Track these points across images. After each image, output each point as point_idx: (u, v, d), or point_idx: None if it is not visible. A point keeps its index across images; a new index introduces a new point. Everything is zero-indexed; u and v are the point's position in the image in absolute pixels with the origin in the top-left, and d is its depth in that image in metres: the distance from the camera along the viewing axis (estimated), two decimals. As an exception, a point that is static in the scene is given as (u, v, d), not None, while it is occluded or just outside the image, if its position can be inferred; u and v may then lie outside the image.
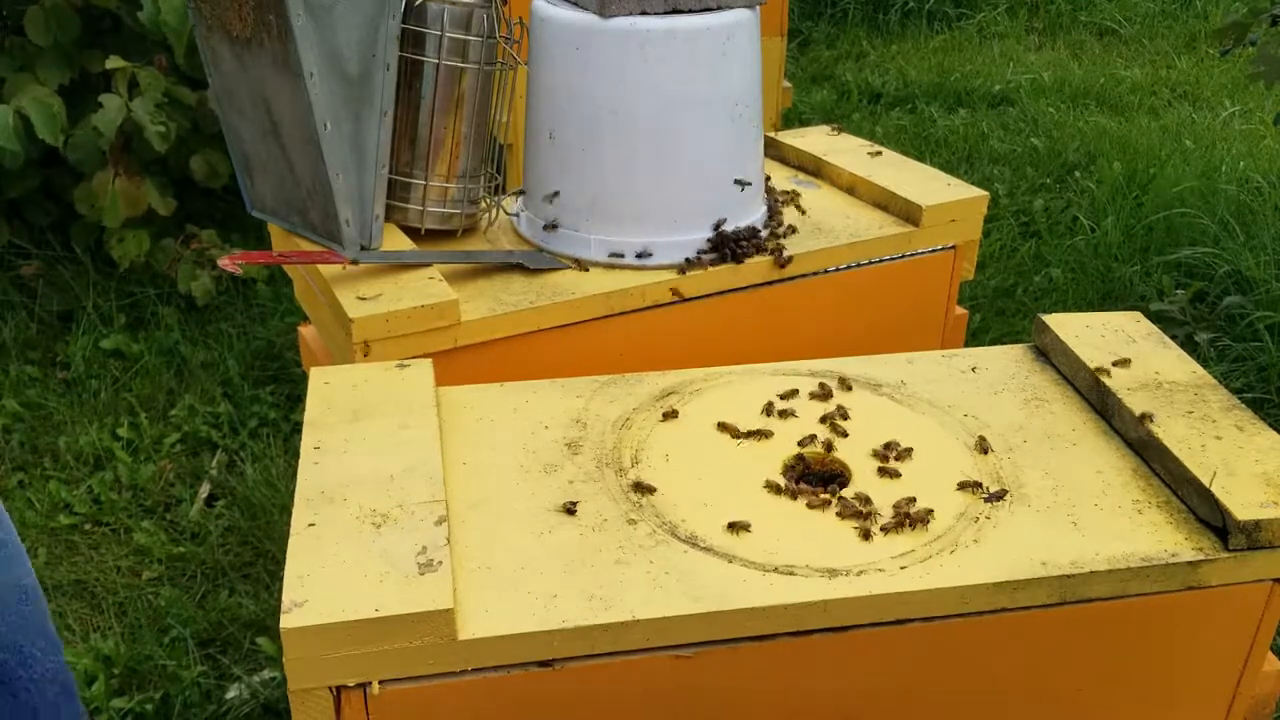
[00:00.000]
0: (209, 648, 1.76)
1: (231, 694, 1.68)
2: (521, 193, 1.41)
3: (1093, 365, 1.06)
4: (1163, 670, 0.92)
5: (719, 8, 1.25)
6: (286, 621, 0.74)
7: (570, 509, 0.90)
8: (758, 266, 1.31)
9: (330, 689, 0.77)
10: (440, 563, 0.80)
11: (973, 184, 1.47)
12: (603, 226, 1.30)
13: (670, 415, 1.02)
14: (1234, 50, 2.66)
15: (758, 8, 1.30)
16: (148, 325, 2.57)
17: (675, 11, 1.23)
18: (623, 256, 1.29)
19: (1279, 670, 0.97)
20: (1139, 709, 0.94)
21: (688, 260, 1.29)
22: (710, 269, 1.30)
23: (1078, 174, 3.44)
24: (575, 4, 1.26)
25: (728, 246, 1.30)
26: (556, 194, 1.31)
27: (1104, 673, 0.90)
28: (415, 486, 0.88)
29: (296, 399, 2.35)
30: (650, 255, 1.29)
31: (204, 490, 2.10)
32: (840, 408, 1.04)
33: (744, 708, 0.85)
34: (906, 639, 0.84)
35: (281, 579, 0.79)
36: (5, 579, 1.21)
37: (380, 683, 0.77)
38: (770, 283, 1.33)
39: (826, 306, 1.38)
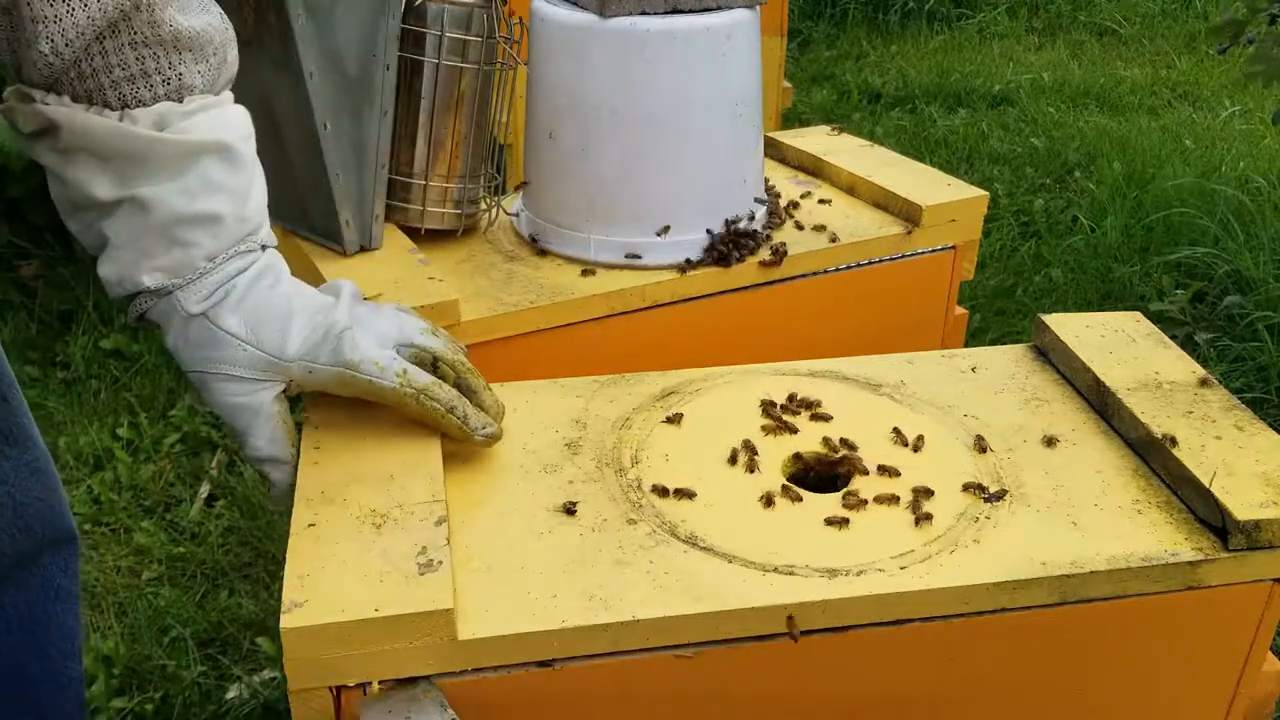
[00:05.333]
0: (209, 648, 1.76)
1: (231, 694, 1.68)
2: (521, 189, 1.41)
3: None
4: (1163, 670, 0.92)
5: (719, 8, 1.25)
6: (286, 622, 0.74)
7: (570, 509, 0.90)
8: (756, 267, 1.31)
9: (330, 689, 0.77)
10: (440, 563, 0.80)
11: (973, 184, 1.47)
12: (602, 226, 1.30)
13: (674, 419, 1.02)
14: (1231, 49, 2.66)
15: (758, 8, 1.30)
16: (148, 325, 2.57)
17: (675, 11, 1.23)
18: (622, 257, 1.29)
19: (1279, 670, 0.97)
20: (1139, 709, 0.94)
21: (688, 260, 1.29)
22: (710, 269, 1.30)
23: (1078, 174, 3.44)
24: (575, 4, 1.26)
25: (728, 247, 1.30)
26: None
27: (1104, 673, 0.90)
28: (415, 486, 0.88)
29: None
30: (650, 255, 1.29)
31: (204, 490, 2.10)
32: (813, 397, 1.04)
33: (744, 708, 0.85)
34: (906, 639, 0.84)
35: (281, 579, 0.79)
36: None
37: (380, 683, 0.77)
38: (770, 283, 1.33)
39: (826, 306, 1.38)
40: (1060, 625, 0.86)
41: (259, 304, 0.90)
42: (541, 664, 0.79)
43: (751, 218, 1.34)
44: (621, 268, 1.29)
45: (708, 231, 1.31)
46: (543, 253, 1.33)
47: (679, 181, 1.29)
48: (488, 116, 1.34)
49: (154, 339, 2.50)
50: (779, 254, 1.31)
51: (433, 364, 0.94)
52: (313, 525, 0.84)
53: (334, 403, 0.97)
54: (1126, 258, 2.86)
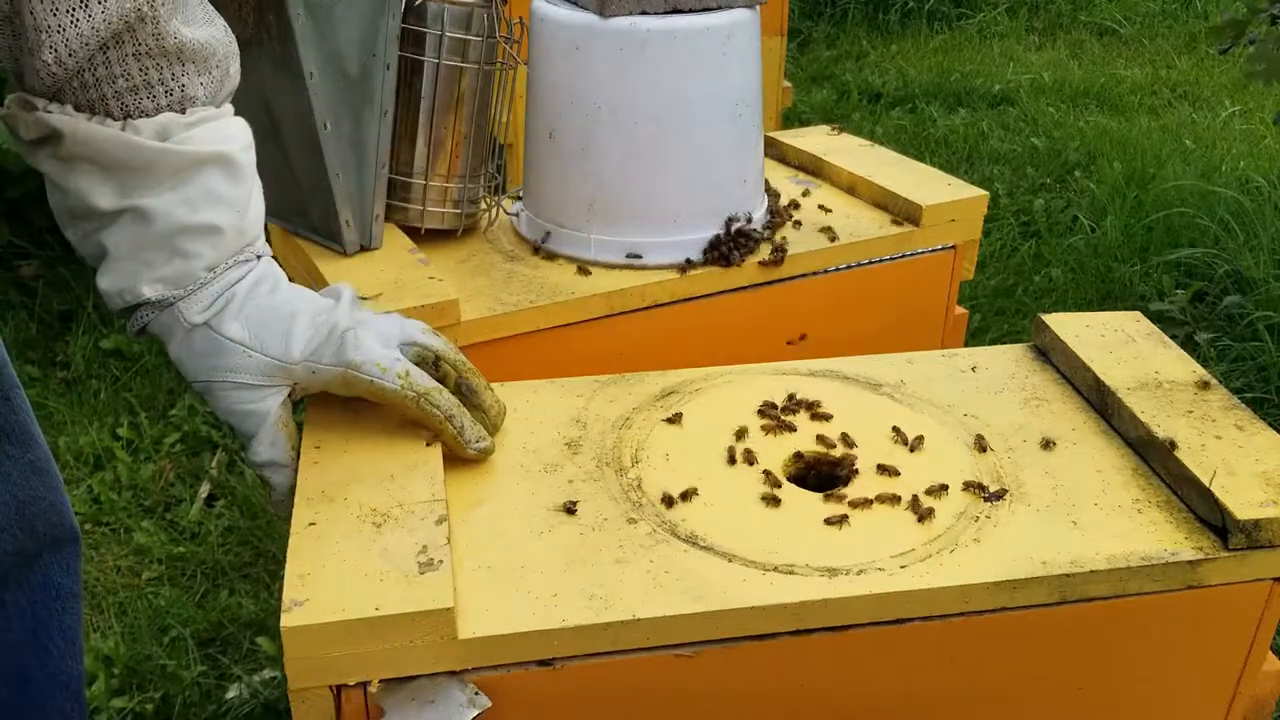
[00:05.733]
0: (209, 648, 1.76)
1: (231, 694, 1.68)
2: (521, 193, 1.41)
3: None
4: (1163, 670, 0.92)
5: (719, 8, 1.25)
6: (286, 621, 0.74)
7: (570, 508, 0.90)
8: (756, 267, 1.31)
9: (330, 688, 0.77)
10: (440, 562, 0.80)
11: (973, 184, 1.47)
12: (602, 226, 1.30)
13: (674, 419, 1.02)
14: (1232, 49, 2.66)
15: (758, 8, 1.30)
16: (148, 325, 2.57)
17: (675, 11, 1.23)
18: (623, 256, 1.29)
19: (1279, 670, 0.97)
20: (1139, 709, 0.94)
21: (688, 260, 1.29)
22: (710, 269, 1.30)
23: (1078, 174, 3.44)
24: (575, 4, 1.26)
25: (728, 247, 1.30)
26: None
27: (1104, 673, 0.91)
28: (416, 486, 0.88)
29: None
30: (650, 255, 1.29)
31: (204, 490, 2.10)
32: (813, 397, 1.04)
33: (744, 708, 0.85)
34: (907, 638, 0.84)
35: (282, 578, 0.79)
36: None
37: (380, 682, 0.77)
38: (770, 283, 1.33)
39: (826, 306, 1.38)
40: (1060, 625, 0.86)
41: (260, 309, 0.90)
42: (541, 664, 0.79)
43: (751, 218, 1.34)
44: (622, 267, 1.29)
45: (709, 231, 1.31)
46: (550, 256, 1.33)
47: (679, 181, 1.29)
48: (488, 116, 1.34)
49: (154, 339, 2.50)
50: (779, 254, 1.31)
51: (434, 362, 0.94)
52: (313, 524, 0.84)
53: (334, 402, 0.97)
54: (1126, 257, 2.86)
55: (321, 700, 0.77)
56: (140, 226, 0.86)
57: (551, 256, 1.32)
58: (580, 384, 1.08)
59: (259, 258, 0.93)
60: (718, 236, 1.31)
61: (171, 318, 0.89)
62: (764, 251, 1.32)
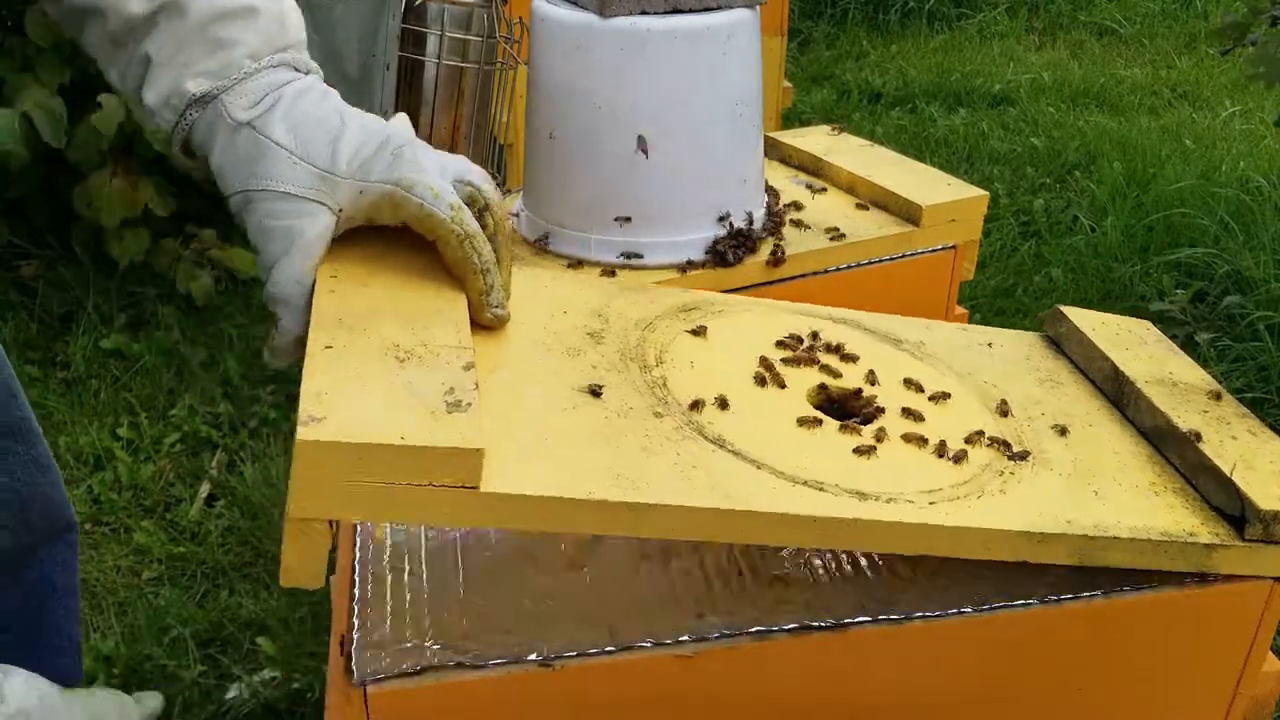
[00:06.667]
0: (209, 648, 1.76)
1: (231, 694, 1.68)
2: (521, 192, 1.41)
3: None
4: (1163, 669, 0.92)
5: (719, 8, 1.25)
6: (303, 435, 0.67)
7: (596, 391, 0.85)
8: (757, 267, 1.31)
9: (329, 523, 0.70)
10: (469, 404, 0.73)
11: (973, 184, 1.47)
12: (603, 227, 1.30)
13: (698, 332, 0.99)
14: (1234, 51, 2.66)
15: (758, 8, 1.30)
16: (148, 325, 2.57)
17: (675, 11, 1.23)
18: (622, 257, 1.29)
19: (1279, 670, 0.97)
20: (1139, 709, 0.94)
21: (688, 261, 1.29)
22: (710, 270, 1.30)
23: (1078, 174, 3.44)
24: (575, 4, 1.26)
25: (727, 247, 1.30)
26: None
27: (1104, 673, 0.90)
28: (441, 330, 0.81)
29: (296, 399, 2.35)
30: (650, 255, 1.29)
31: (204, 490, 2.10)
32: (837, 338, 1.02)
33: (744, 708, 0.85)
34: (906, 638, 0.84)
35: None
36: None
37: (374, 681, 0.76)
38: (770, 283, 1.33)
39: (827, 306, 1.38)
40: (1060, 624, 0.86)
41: (307, 116, 0.85)
42: (542, 664, 0.79)
43: (751, 218, 1.34)
44: (622, 268, 1.29)
45: (709, 231, 1.31)
46: (577, 264, 1.32)
47: (679, 182, 1.29)
48: (488, 116, 1.34)
49: (154, 339, 2.50)
50: (779, 254, 1.31)
51: (482, 210, 0.86)
52: (330, 348, 0.76)
53: (351, 241, 0.88)
54: (1126, 258, 2.86)
55: (319, 537, 0.70)
56: (177, 21, 0.84)
57: (579, 264, 1.31)
58: (600, 282, 1.02)
59: (309, 73, 0.89)
60: (718, 236, 1.31)
61: (215, 114, 0.85)
62: (764, 251, 1.32)
